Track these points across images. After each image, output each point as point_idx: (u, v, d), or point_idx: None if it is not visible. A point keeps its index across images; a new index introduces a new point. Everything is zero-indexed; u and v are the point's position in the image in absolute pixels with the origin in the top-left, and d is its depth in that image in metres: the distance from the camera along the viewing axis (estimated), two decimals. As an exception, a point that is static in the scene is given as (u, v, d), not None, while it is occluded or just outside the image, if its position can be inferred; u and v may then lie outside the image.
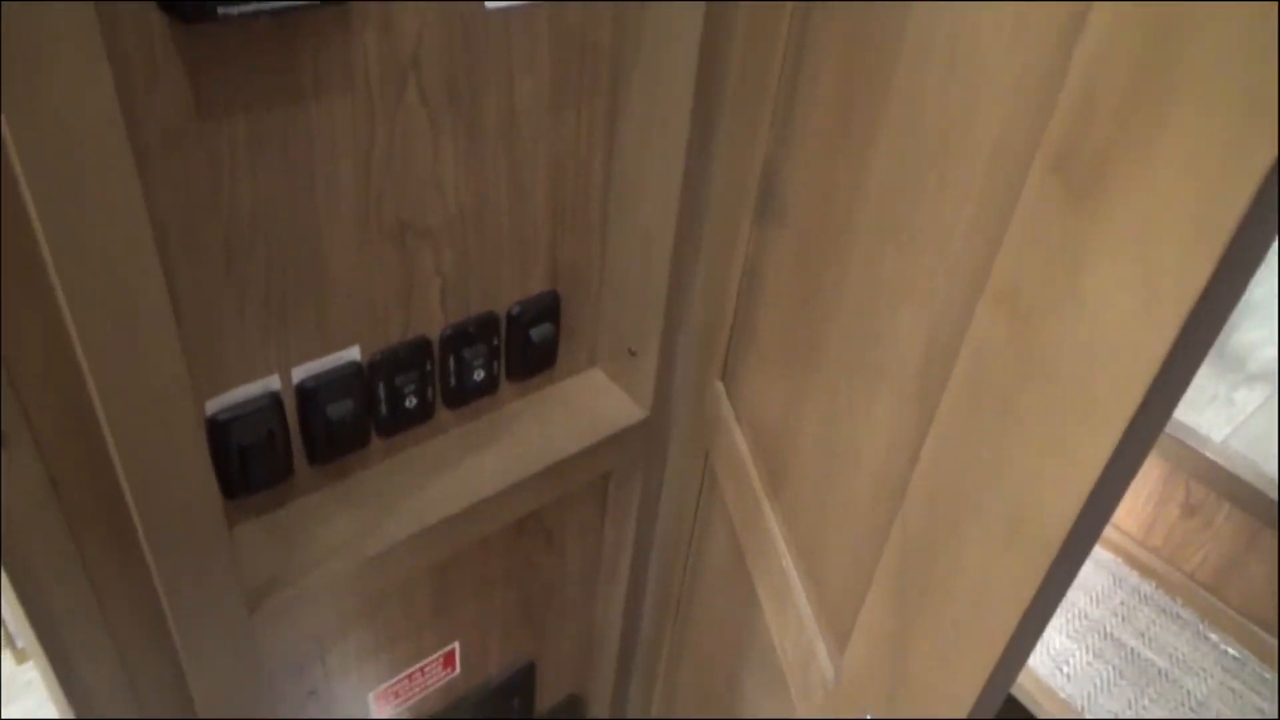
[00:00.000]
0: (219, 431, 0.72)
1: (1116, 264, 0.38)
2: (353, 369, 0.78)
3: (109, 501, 0.65)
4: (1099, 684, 1.32)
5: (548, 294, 0.89)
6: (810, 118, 0.69)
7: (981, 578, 0.49)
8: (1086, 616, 1.41)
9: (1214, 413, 1.63)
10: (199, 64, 0.57)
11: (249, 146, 0.62)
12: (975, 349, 0.47)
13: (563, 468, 0.92)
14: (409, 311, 0.79)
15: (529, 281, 0.87)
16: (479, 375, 0.87)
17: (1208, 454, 1.41)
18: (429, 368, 0.84)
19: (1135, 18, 0.36)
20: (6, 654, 1.67)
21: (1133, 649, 1.37)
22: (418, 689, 1.05)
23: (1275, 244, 0.38)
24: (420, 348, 0.82)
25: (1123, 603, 1.44)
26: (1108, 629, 1.40)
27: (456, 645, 1.06)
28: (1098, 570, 1.48)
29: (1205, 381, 1.66)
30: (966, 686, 0.51)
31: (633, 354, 0.95)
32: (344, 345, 0.77)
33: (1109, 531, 1.53)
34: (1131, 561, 1.50)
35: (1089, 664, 1.34)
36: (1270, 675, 1.34)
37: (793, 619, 0.76)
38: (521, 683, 1.19)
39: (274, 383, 0.74)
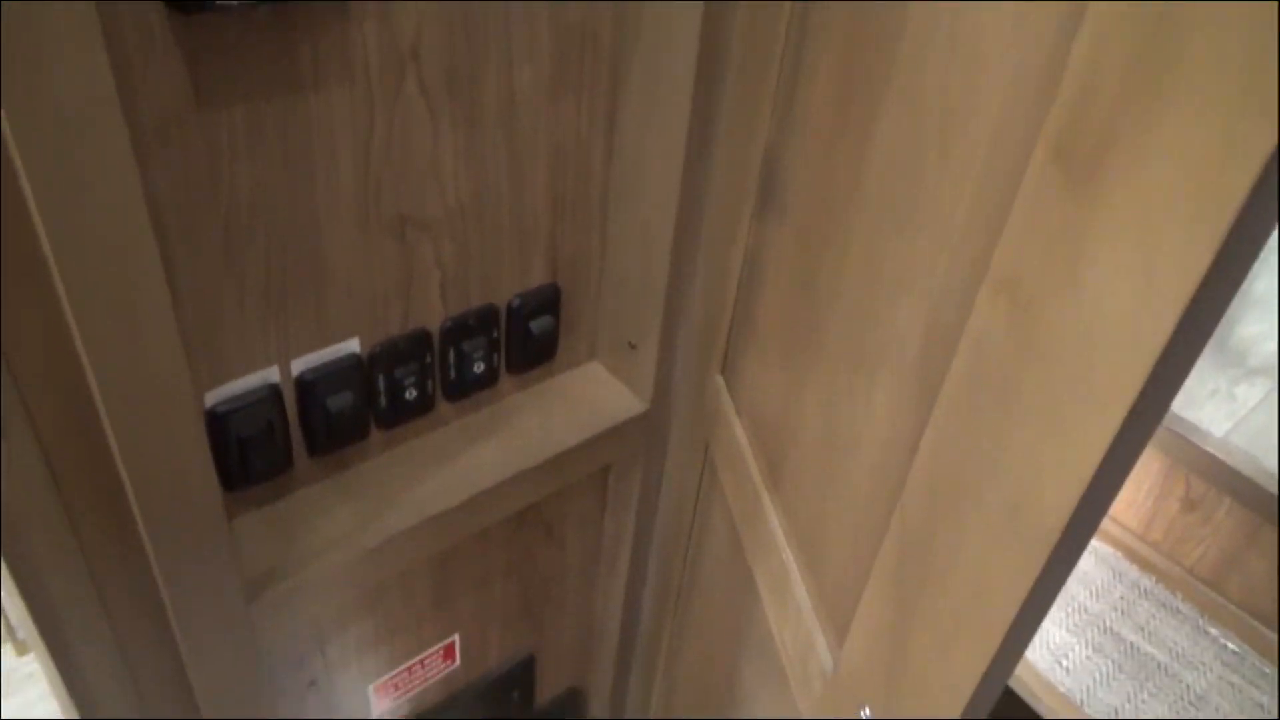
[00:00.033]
0: (218, 423, 0.72)
1: (1116, 251, 0.38)
2: (352, 361, 0.78)
3: (109, 493, 0.65)
4: (1098, 678, 1.32)
5: (548, 286, 0.89)
6: (810, 108, 0.69)
7: (980, 568, 0.49)
8: (1086, 610, 1.41)
9: (1214, 407, 1.63)
10: (197, 54, 0.57)
11: (248, 137, 0.62)
12: (975, 338, 0.47)
13: (562, 460, 0.92)
14: (409, 303, 0.79)
15: (529, 274, 0.87)
16: (479, 368, 0.87)
17: (1208, 449, 1.41)
18: (429, 360, 0.84)
19: (1135, 6, 0.36)
20: (7, 646, 1.67)
21: (1132, 643, 1.37)
22: (418, 681, 1.05)
23: (1275, 233, 0.38)
24: (420, 340, 0.82)
25: (1122, 597, 1.44)
26: (1107, 623, 1.40)
27: (456, 638, 1.06)
28: (1098, 564, 1.48)
29: (1206, 376, 1.66)
30: (965, 677, 0.51)
31: (633, 347, 0.95)
32: (343, 337, 0.77)
33: (1109, 526, 1.53)
34: (1131, 556, 1.50)
35: (1088, 658, 1.34)
36: (1270, 670, 1.34)
37: (792, 610, 0.76)
38: (521, 675, 1.19)
39: (273, 374, 0.74)
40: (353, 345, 0.78)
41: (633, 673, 1.32)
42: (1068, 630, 1.38)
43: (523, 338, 0.90)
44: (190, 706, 0.78)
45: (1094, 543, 1.51)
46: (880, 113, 0.59)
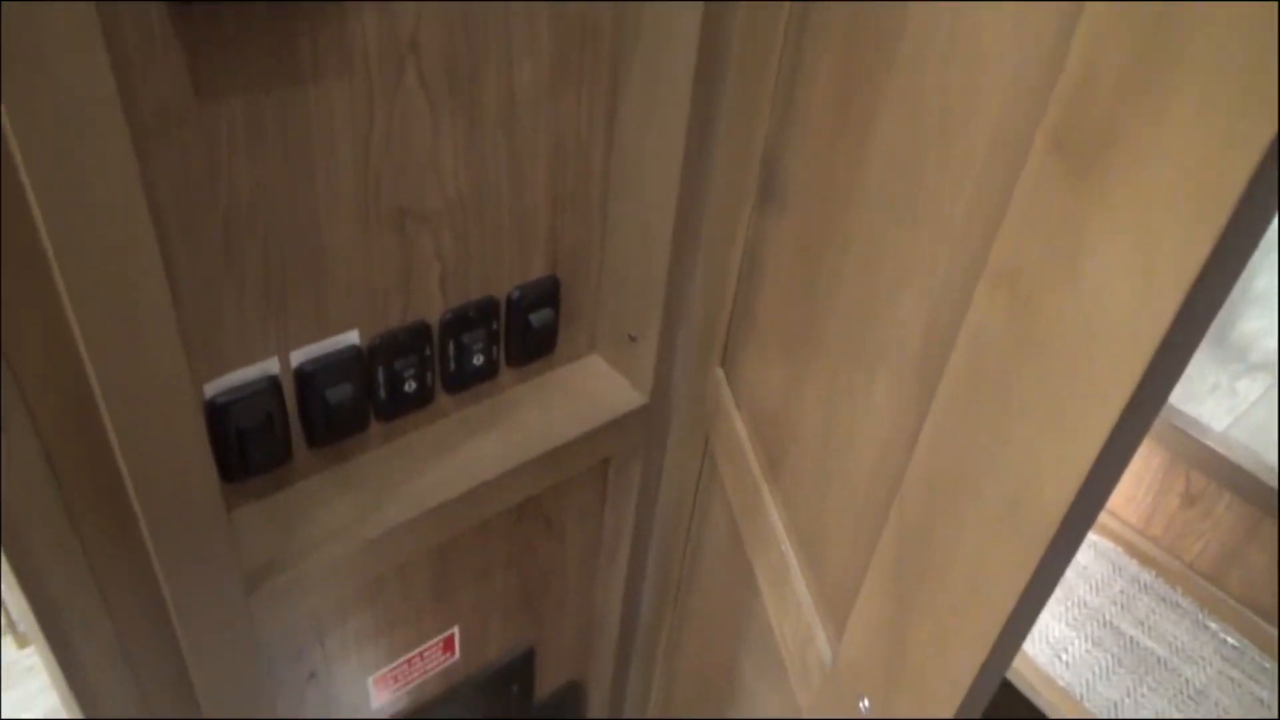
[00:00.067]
0: (217, 414, 0.72)
1: (1116, 243, 0.38)
2: (352, 353, 0.78)
3: (108, 485, 0.65)
4: (1098, 672, 1.32)
5: (547, 279, 0.89)
6: (810, 104, 0.69)
7: (978, 560, 0.49)
8: (1086, 605, 1.42)
9: (1215, 402, 1.63)
10: (196, 45, 0.57)
11: (247, 130, 0.62)
12: (974, 331, 0.47)
13: (562, 453, 0.92)
14: (408, 296, 0.79)
15: (529, 266, 0.87)
16: (478, 360, 0.87)
17: (1209, 443, 1.41)
18: (428, 352, 0.84)
19: (1134, 6, 0.36)
20: (8, 639, 1.67)
21: (1132, 637, 1.37)
22: (417, 673, 1.05)
23: (1275, 228, 0.38)
24: (419, 332, 0.81)
25: (1122, 591, 1.45)
26: (1107, 617, 1.40)
27: (456, 630, 1.06)
28: (1097, 559, 1.49)
29: (1207, 371, 1.66)
30: (963, 669, 0.51)
31: (633, 339, 0.95)
32: (343, 329, 0.77)
33: (1109, 521, 1.53)
34: (1131, 550, 1.50)
35: (1088, 652, 1.35)
36: (1270, 664, 1.34)
37: (791, 604, 0.76)
38: (521, 668, 1.20)
39: (273, 366, 0.74)
40: (352, 337, 0.78)
41: (632, 666, 1.32)
42: (1067, 624, 1.38)
43: (522, 330, 0.90)
44: (190, 698, 0.78)
45: (1094, 537, 1.52)
46: (880, 109, 0.59)
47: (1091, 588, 1.45)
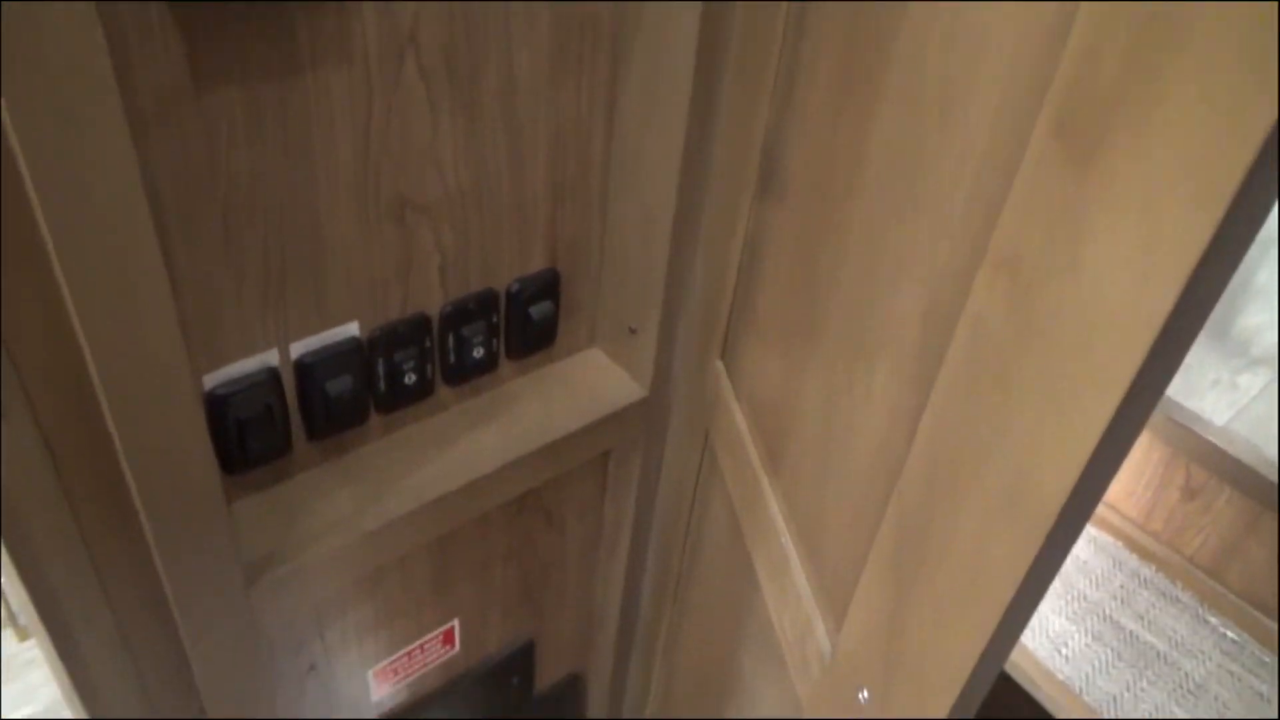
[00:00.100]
0: (217, 405, 0.72)
1: (1117, 230, 0.38)
2: (352, 345, 0.78)
3: (108, 476, 0.65)
4: (1097, 666, 1.32)
5: (547, 271, 0.89)
6: (811, 92, 0.69)
7: (978, 549, 0.49)
8: (1085, 599, 1.42)
9: (1216, 397, 1.63)
10: (195, 35, 0.57)
11: (246, 119, 0.62)
12: (974, 319, 0.47)
13: (562, 446, 0.92)
14: (408, 288, 0.79)
15: (529, 259, 0.87)
16: (478, 352, 0.87)
17: (1209, 438, 1.41)
18: (428, 344, 0.84)
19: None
20: (8, 631, 1.67)
21: (1131, 631, 1.37)
22: (417, 666, 1.05)
23: (1275, 218, 0.38)
24: (419, 324, 0.81)
25: (1122, 586, 1.45)
26: (1107, 612, 1.40)
27: (456, 623, 1.06)
28: (1097, 553, 1.49)
29: (1208, 366, 1.66)
30: (962, 659, 0.51)
31: (633, 332, 0.95)
32: (343, 321, 0.77)
33: (1109, 515, 1.53)
34: (1131, 545, 1.50)
35: (1087, 646, 1.35)
36: (1269, 658, 1.34)
37: (790, 595, 0.76)
38: (521, 661, 1.20)
39: (272, 358, 0.74)
40: (352, 329, 0.78)
41: (632, 658, 1.32)
42: (1067, 619, 1.38)
43: (522, 323, 0.90)
44: (190, 690, 0.79)
45: (1094, 532, 1.52)
46: (880, 98, 0.59)
47: (1091, 582, 1.45)
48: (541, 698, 1.30)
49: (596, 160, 0.86)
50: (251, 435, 0.75)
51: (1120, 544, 1.50)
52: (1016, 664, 1.30)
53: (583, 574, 1.19)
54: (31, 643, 1.64)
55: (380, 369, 0.81)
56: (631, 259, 0.91)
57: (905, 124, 0.56)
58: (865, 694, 0.63)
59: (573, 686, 1.35)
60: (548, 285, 0.90)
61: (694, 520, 1.06)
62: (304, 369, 0.76)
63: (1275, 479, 1.33)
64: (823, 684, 0.71)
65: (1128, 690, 1.29)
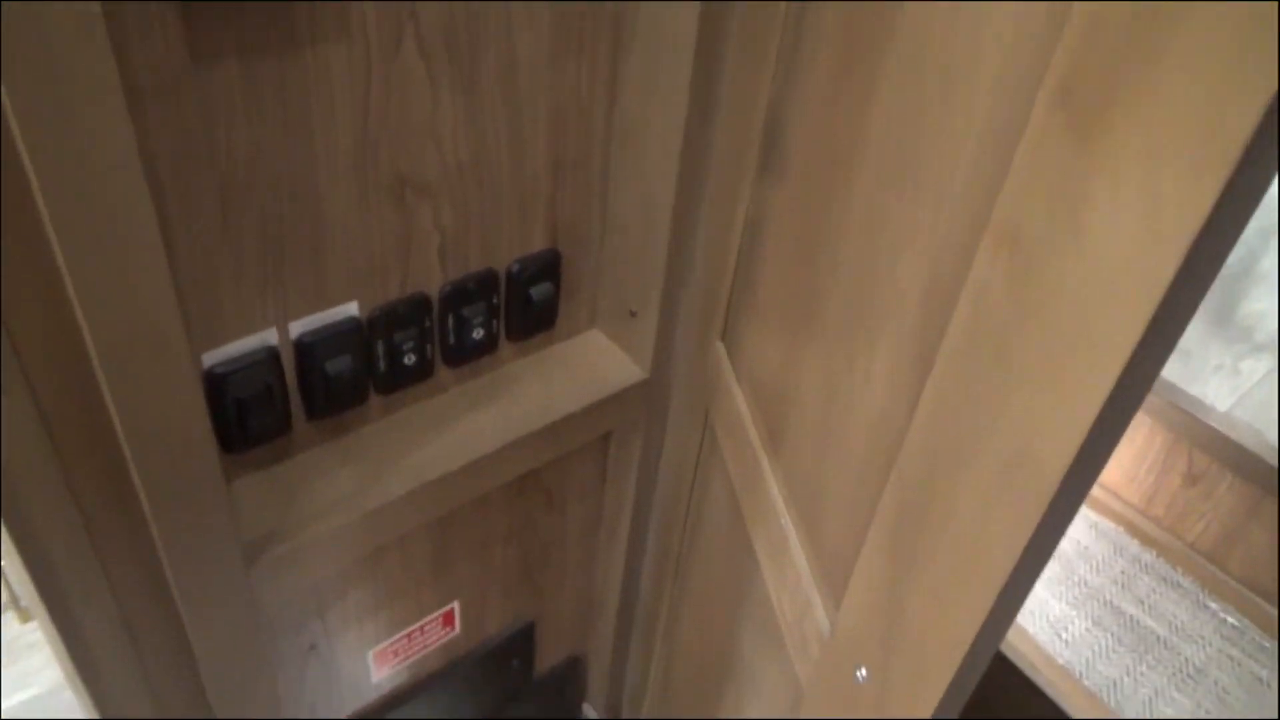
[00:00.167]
0: (216, 384, 0.72)
1: (1118, 198, 0.37)
2: (351, 324, 0.78)
3: (107, 455, 0.65)
4: (1097, 650, 1.32)
5: (548, 252, 0.89)
6: (814, 67, 0.68)
7: (976, 524, 0.49)
8: (1086, 584, 1.42)
9: (1219, 382, 1.62)
10: (192, 8, 0.57)
11: (244, 95, 0.62)
12: (975, 292, 0.47)
13: (562, 427, 0.92)
14: (407, 267, 0.79)
15: (529, 239, 0.87)
16: (478, 333, 0.87)
17: (1211, 423, 1.40)
18: (428, 325, 0.83)
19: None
20: (10, 614, 1.68)
21: (1132, 616, 1.38)
22: (417, 647, 1.06)
23: (1278, 195, 0.37)
24: (419, 304, 0.81)
25: (1123, 571, 1.45)
26: (1107, 597, 1.40)
27: (456, 604, 1.06)
28: (1098, 539, 1.49)
29: (1211, 351, 1.66)
30: (960, 635, 0.51)
31: (633, 314, 0.95)
32: (342, 300, 0.77)
33: (1110, 500, 1.53)
34: (1133, 530, 1.50)
35: (1088, 630, 1.35)
36: (1270, 644, 1.34)
37: (790, 575, 0.76)
38: (522, 643, 1.20)
39: (271, 337, 0.74)
40: (351, 308, 0.77)
41: (633, 640, 1.32)
42: (1068, 604, 1.38)
43: (523, 304, 0.89)
44: (191, 669, 0.79)
45: (1095, 517, 1.51)
46: (883, 70, 0.59)
47: (1092, 567, 1.45)
48: (541, 680, 1.30)
49: (597, 140, 0.85)
50: (251, 414, 0.74)
51: (1121, 529, 1.50)
52: (1017, 648, 1.30)
53: (583, 556, 1.19)
54: (33, 625, 1.64)
55: (380, 349, 0.81)
56: (632, 240, 0.90)
57: (907, 98, 0.56)
58: (864, 672, 0.63)
59: (573, 668, 1.35)
60: (548, 266, 0.89)
61: (694, 501, 1.06)
62: (303, 348, 0.76)
63: (1277, 465, 1.33)
64: (822, 663, 0.71)
65: (1128, 675, 1.30)
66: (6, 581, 1.55)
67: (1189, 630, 1.36)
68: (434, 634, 1.07)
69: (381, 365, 0.82)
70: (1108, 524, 1.51)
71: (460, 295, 0.84)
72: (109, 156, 0.51)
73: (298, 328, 0.75)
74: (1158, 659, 1.32)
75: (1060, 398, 0.42)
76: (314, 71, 0.64)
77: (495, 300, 0.87)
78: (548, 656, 1.29)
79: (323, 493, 0.80)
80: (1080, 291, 0.40)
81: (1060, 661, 1.30)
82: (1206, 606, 1.39)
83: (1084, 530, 1.50)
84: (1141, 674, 1.30)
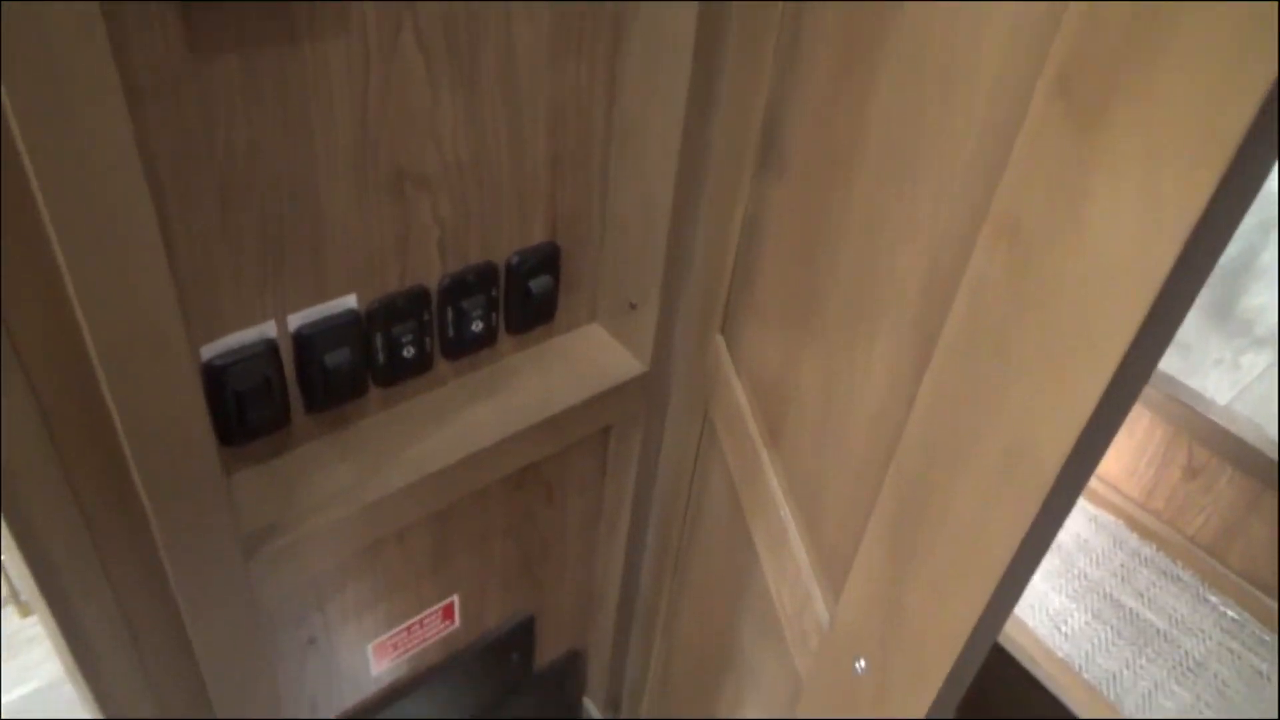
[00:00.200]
0: (215, 376, 0.72)
1: (1118, 188, 0.37)
2: (350, 317, 0.78)
3: (105, 447, 0.65)
4: (1097, 643, 1.32)
5: (547, 245, 0.89)
6: (813, 59, 0.68)
7: (976, 514, 0.49)
8: (1086, 577, 1.42)
9: (1219, 376, 1.62)
10: (191, 4, 0.57)
11: (243, 88, 0.62)
12: (974, 285, 0.46)
13: (562, 420, 0.92)
14: (406, 260, 0.79)
15: (529, 232, 0.87)
16: (477, 326, 0.87)
17: (1211, 417, 1.40)
18: (427, 318, 0.83)
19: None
20: (10, 609, 1.68)
21: (1132, 610, 1.38)
22: (417, 641, 1.06)
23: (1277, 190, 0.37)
24: (418, 297, 0.81)
25: (1123, 565, 1.44)
26: (1107, 590, 1.40)
27: (456, 598, 1.07)
28: (1098, 532, 1.49)
29: (1211, 345, 1.66)
30: (958, 625, 0.51)
31: (633, 307, 0.95)
32: (341, 293, 0.76)
33: (1110, 494, 1.53)
34: (1132, 524, 1.50)
35: (1087, 624, 1.35)
36: (1270, 637, 1.34)
37: (790, 568, 0.76)
38: (521, 636, 1.20)
39: (270, 329, 0.74)
40: (350, 301, 0.77)
41: (632, 634, 1.32)
42: (1067, 597, 1.38)
43: (522, 297, 0.89)
44: (191, 663, 0.79)
45: (1095, 511, 1.51)
46: (883, 64, 0.58)
47: (1092, 561, 1.45)
48: (541, 673, 1.30)
49: (597, 133, 0.85)
50: (249, 407, 0.74)
51: (1121, 523, 1.50)
52: (1016, 641, 1.30)
53: (583, 549, 1.19)
54: (33, 620, 1.65)
55: (379, 342, 0.81)
56: (632, 233, 0.90)
57: (906, 94, 0.56)
58: (863, 664, 0.64)
59: (573, 663, 1.35)
60: (547, 259, 0.89)
61: (694, 495, 1.06)
62: (302, 341, 0.76)
63: (1277, 458, 1.33)
64: (821, 655, 0.71)
65: (1127, 668, 1.30)
66: (6, 576, 1.55)
67: (1189, 624, 1.36)
68: (433, 627, 1.07)
69: (380, 358, 0.82)
70: (1107, 517, 1.51)
71: (459, 288, 0.84)
72: (108, 154, 0.51)
73: (296, 320, 0.75)
74: (1157, 652, 1.32)
75: (1058, 389, 0.42)
76: (313, 66, 0.64)
77: (494, 293, 0.87)
78: (548, 650, 1.29)
79: (322, 486, 0.80)
80: (1079, 283, 0.40)
81: (1060, 655, 1.30)
82: (1206, 600, 1.39)
83: (1084, 524, 1.50)
84: (1141, 667, 1.30)
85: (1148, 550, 1.46)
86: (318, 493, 0.80)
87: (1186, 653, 1.32)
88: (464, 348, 0.89)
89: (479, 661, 1.16)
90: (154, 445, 0.63)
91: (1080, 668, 1.29)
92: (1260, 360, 1.64)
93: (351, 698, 1.04)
